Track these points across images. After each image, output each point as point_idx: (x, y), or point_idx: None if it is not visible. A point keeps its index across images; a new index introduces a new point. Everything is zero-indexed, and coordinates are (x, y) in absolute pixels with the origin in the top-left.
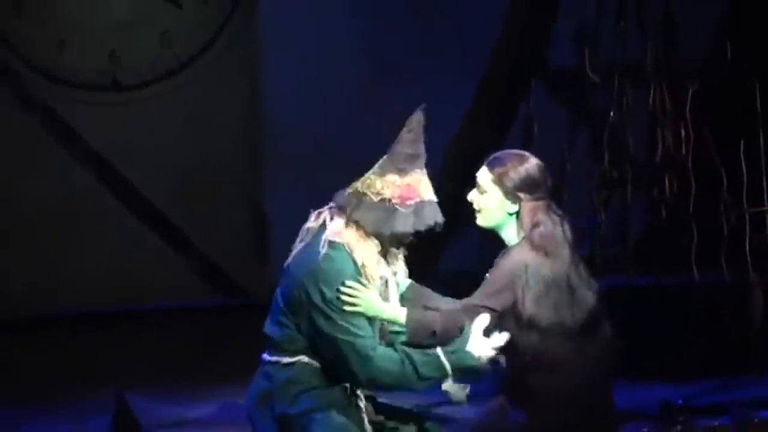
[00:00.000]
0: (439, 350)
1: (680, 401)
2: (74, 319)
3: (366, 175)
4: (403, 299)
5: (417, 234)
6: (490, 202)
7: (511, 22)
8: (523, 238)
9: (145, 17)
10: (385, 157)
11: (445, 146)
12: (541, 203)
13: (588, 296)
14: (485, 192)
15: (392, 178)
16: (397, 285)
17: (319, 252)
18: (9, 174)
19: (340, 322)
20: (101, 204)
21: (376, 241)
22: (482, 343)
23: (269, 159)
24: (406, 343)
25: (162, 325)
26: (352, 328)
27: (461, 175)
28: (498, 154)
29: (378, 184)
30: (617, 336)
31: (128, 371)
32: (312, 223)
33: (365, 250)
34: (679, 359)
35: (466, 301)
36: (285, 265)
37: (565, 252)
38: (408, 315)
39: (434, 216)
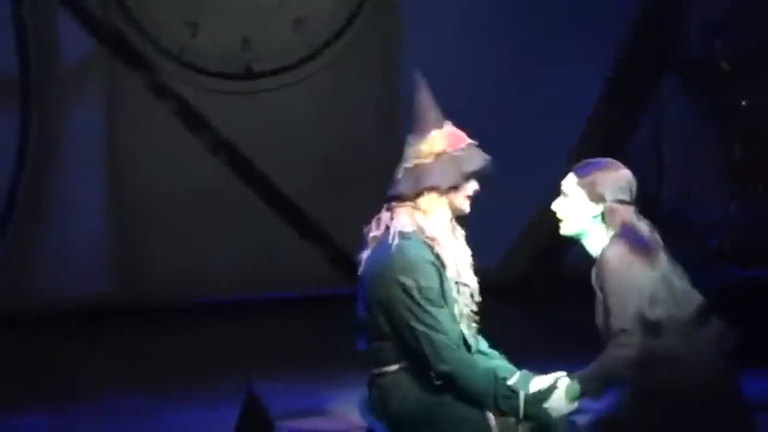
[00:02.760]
0: (522, 394)
1: None
2: (208, 307)
3: (405, 154)
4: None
5: (484, 175)
6: (574, 206)
7: (643, 12)
8: (614, 236)
9: (279, 2)
10: (412, 128)
11: (575, 139)
12: (627, 207)
13: (693, 293)
14: (568, 196)
15: (434, 134)
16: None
17: (390, 247)
18: (142, 162)
19: (420, 315)
20: (233, 193)
21: (447, 212)
22: (561, 403)
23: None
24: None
25: (294, 315)
26: (431, 321)
27: None
28: (586, 161)
29: (425, 147)
30: (734, 327)
31: (260, 361)
32: (375, 231)
33: (437, 228)
34: None
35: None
36: (359, 275)
37: (662, 254)
38: (581, 380)
39: (483, 155)
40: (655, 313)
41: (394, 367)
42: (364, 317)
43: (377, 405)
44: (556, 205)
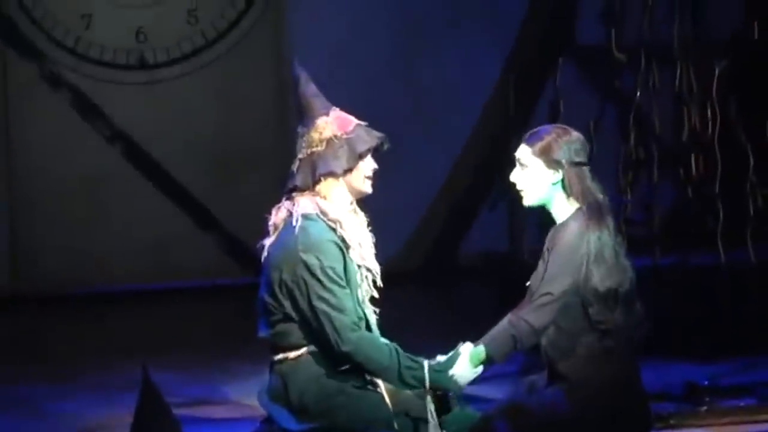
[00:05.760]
0: (426, 364)
1: (706, 381)
2: (102, 296)
3: (297, 146)
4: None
5: (377, 151)
6: (533, 176)
7: None
8: (578, 209)
9: None
10: (301, 119)
11: (471, 124)
12: (585, 169)
13: (628, 265)
14: (526, 167)
15: (322, 121)
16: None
17: (294, 228)
18: (37, 153)
19: (321, 293)
20: (128, 183)
21: (347, 195)
22: (466, 370)
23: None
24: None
25: (189, 304)
26: (332, 300)
27: (489, 153)
28: (535, 129)
29: (315, 135)
30: (644, 314)
31: (156, 349)
32: (275, 218)
33: (339, 210)
34: (705, 339)
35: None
36: (262, 261)
37: (611, 219)
38: (486, 341)
39: (375, 132)
40: (609, 283)
41: (295, 353)
42: (266, 302)
43: (278, 392)
44: (515, 176)
